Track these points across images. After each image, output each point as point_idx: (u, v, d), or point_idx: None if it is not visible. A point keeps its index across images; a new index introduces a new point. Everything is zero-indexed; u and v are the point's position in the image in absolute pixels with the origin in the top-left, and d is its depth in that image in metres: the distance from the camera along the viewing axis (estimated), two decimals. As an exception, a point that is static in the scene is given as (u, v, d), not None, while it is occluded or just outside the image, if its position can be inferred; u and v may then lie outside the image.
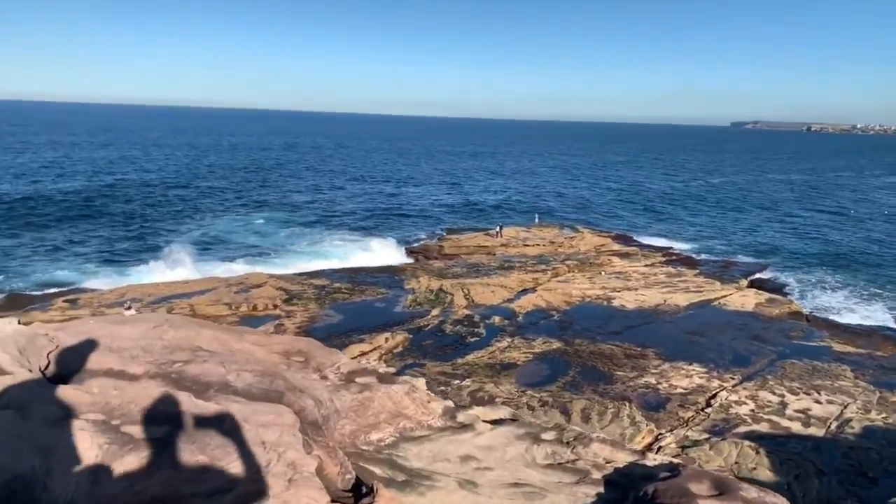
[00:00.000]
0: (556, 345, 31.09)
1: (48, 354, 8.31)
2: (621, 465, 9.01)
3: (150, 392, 7.26)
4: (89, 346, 8.62)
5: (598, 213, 76.92)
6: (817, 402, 26.11)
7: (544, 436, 9.86)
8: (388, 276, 41.55)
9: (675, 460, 9.49)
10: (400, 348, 29.44)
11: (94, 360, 8.22)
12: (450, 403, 10.98)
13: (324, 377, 10.30)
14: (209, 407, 7.07)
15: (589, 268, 46.45)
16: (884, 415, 25.27)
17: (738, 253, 56.98)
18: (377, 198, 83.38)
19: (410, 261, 47.99)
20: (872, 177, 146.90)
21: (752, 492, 7.73)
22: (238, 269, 43.38)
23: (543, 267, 45.04)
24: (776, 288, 45.21)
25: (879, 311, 40.64)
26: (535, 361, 29.16)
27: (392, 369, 26.70)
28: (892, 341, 34.76)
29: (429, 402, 10.54)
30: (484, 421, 10.37)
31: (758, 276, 48.65)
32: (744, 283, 45.30)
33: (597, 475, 8.82)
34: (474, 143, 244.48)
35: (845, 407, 25.63)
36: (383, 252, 50.14)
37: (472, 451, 9.14)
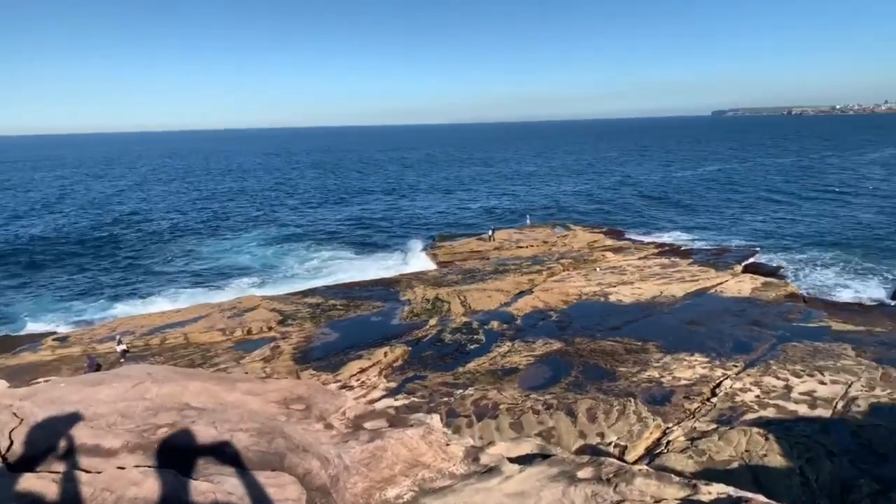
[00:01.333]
0: (557, 345, 30.88)
1: (11, 433, 7.33)
2: None
3: (128, 475, 6.53)
4: (60, 417, 7.72)
5: (588, 210, 77.00)
6: (822, 383, 25.96)
7: (580, 473, 8.76)
8: (383, 288, 41.29)
9: (734, 491, 8.36)
10: (399, 361, 29.14)
11: (66, 436, 7.35)
12: (470, 442, 10.03)
13: (328, 426, 9.46)
14: (198, 488, 6.40)
15: (584, 265, 46.35)
16: (889, 391, 25.14)
17: (731, 239, 57.10)
18: (365, 210, 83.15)
19: (406, 271, 47.70)
20: (856, 155, 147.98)
21: None
22: (230, 293, 43.03)
23: (538, 267, 44.89)
24: (771, 271, 45.22)
25: (874, 287, 40.70)
26: (537, 364, 28.92)
27: (393, 384, 26.44)
28: (889, 317, 34.77)
29: (448, 444, 9.54)
30: (510, 459, 9.33)
31: (751, 260, 48.67)
32: (738, 268, 45.28)
33: (647, 521, 7.73)
34: (455, 148, 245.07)
35: (850, 386, 25.50)
36: (377, 265, 49.89)
37: (502, 500, 8.14)
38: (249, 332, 32.88)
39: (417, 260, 51.60)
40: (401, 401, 24.57)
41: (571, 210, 77.27)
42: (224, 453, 7.31)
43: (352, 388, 26.16)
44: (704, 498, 7.88)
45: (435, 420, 11.00)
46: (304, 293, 40.54)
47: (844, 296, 39.36)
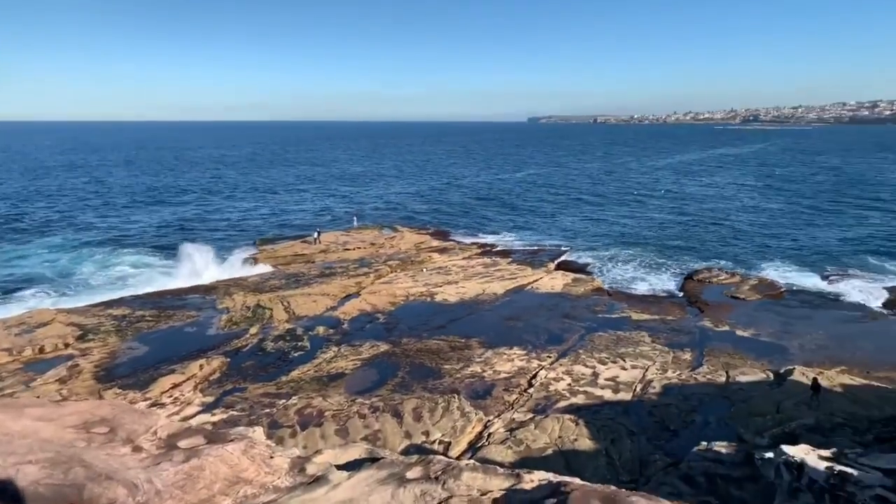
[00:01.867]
0: (384, 347, 30.89)
1: None
2: (499, 495, 8.15)
3: None
4: None
5: (416, 211, 78.13)
6: (623, 368, 28.45)
7: (409, 474, 8.73)
8: (199, 296, 38.79)
9: (554, 477, 8.70)
10: (217, 374, 27.48)
11: None
12: (295, 453, 9.60)
13: (137, 448, 8.60)
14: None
15: (411, 266, 46.92)
16: (678, 372, 28.14)
17: (545, 239, 60.87)
18: (177, 211, 77.72)
19: (224, 277, 45.11)
20: (651, 161, 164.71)
21: (641, 502, 7.41)
22: (18, 306, 38.07)
23: (366, 270, 44.71)
24: (580, 268, 48.87)
25: (666, 280, 45.40)
26: (364, 368, 28.72)
27: (210, 398, 24.87)
28: (678, 306, 39.00)
29: (271, 457, 9.16)
30: (338, 467, 9.13)
31: (563, 258, 52.24)
32: (552, 266, 48.39)
33: (476, 512, 7.96)
34: (280, 146, 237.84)
35: (646, 370, 28.20)
36: (191, 271, 46.54)
37: (331, 509, 7.96)
38: (42, 350, 29.28)
39: (236, 265, 49.02)
40: (219, 415, 23.18)
41: (399, 211, 78.06)
42: (5, 492, 6.39)
43: (164, 405, 24.22)
44: (527, 486, 8.21)
45: (257, 433, 10.42)
46: (108, 304, 36.94)
47: (641, 288, 43.46)
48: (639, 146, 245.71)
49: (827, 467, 14.97)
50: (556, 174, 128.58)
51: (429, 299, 38.91)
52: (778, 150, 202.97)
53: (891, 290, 41.91)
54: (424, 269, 45.74)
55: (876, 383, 26.64)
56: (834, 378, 26.66)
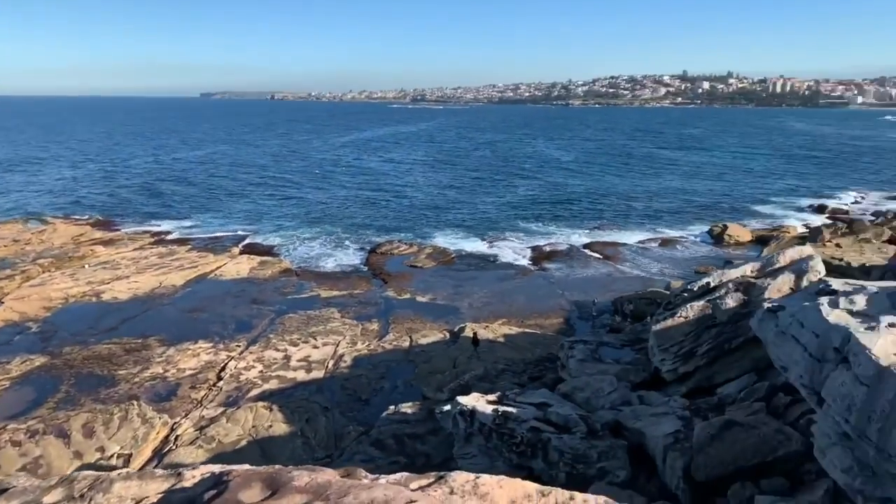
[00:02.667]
0: (40, 360, 26.77)
1: None
2: (156, 499, 7.71)
3: None
4: None
5: (72, 200, 68.24)
6: (315, 347, 28.86)
7: (47, 499, 7.69)
8: None
9: (218, 468, 8.29)
10: None
11: None
12: None
13: None
14: None
15: (69, 263, 41.12)
16: (367, 343, 29.52)
17: (228, 222, 58.30)
18: None
19: None
20: (332, 138, 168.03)
21: (303, 477, 7.37)
22: None
23: (9, 272, 37.95)
24: (266, 250, 47.99)
25: (351, 255, 47.02)
26: (15, 388, 24.59)
27: None
28: (364, 279, 40.74)
29: None
30: None
31: (248, 241, 50.80)
32: (236, 250, 46.75)
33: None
34: None
35: (337, 345, 29.02)
36: None
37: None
38: None
39: None
40: None
41: (51, 200, 67.54)
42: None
43: None
44: (188, 483, 7.97)
45: None
46: None
47: (329, 265, 44.35)
48: (319, 123, 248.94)
49: (493, 410, 17.13)
50: (237, 153, 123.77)
51: (94, 299, 34.64)
52: (443, 128, 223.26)
53: (534, 248, 49.33)
54: (87, 266, 40.52)
55: (529, 330, 31.24)
56: (497, 330, 30.57)
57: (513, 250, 48.97)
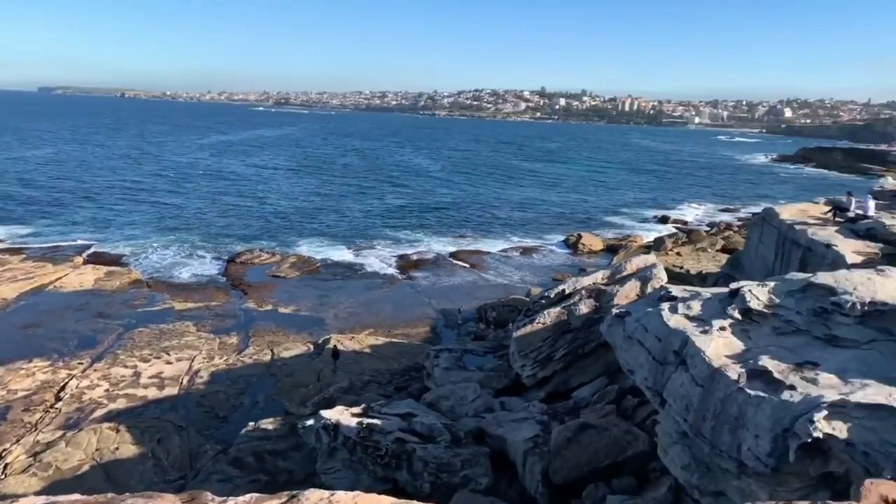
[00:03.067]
0: None
1: None
2: None
3: None
4: None
5: None
6: (168, 363, 27.21)
7: None
8: None
9: (42, 500, 7.38)
10: None
11: None
12: None
13: None
14: None
15: None
16: (225, 357, 28.28)
17: (71, 230, 53.40)
18: None
19: None
20: (189, 140, 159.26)
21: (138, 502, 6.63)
22: None
23: None
24: (114, 259, 44.55)
25: (209, 264, 44.76)
26: None
27: None
28: (222, 290, 38.97)
29: None
30: None
31: (94, 250, 46.96)
32: (79, 260, 43.10)
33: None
34: None
35: (193, 360, 27.53)
36: None
37: None
38: None
39: None
40: None
41: None
42: None
43: None
44: None
45: None
46: None
47: (184, 276, 41.94)
48: (176, 124, 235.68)
49: (357, 423, 16.97)
50: (83, 153, 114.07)
51: None
52: (310, 133, 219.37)
53: (401, 256, 49.62)
54: None
55: (395, 340, 31.33)
56: (363, 340, 30.40)
57: (380, 259, 48.97)
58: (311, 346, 29.73)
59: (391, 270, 46.11)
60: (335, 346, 28.11)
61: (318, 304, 37.22)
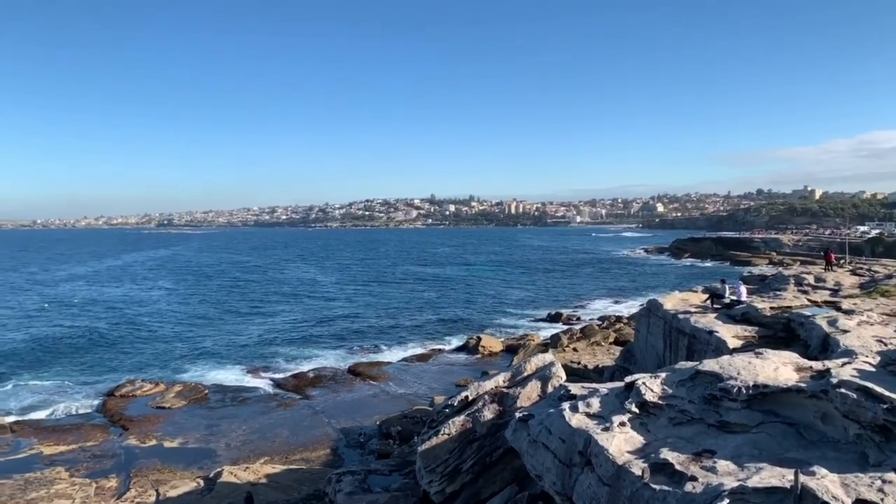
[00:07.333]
0: None
1: None
2: None
3: None
4: None
5: None
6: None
7: None
8: None
9: None
10: None
11: None
12: None
13: None
14: None
15: None
16: (101, 502, 25.39)
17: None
18: None
19: None
20: (61, 269, 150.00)
21: None
22: None
23: None
24: (-30, 404, 39.88)
25: (82, 401, 40.83)
26: None
27: None
28: (99, 428, 35.56)
29: None
30: None
31: (-53, 395, 41.92)
32: (-72, 408, 38.20)
33: None
34: None
35: (63, 513, 24.52)
36: None
37: None
38: None
39: None
40: None
41: None
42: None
43: None
44: None
45: None
46: None
47: (55, 415, 38.11)
48: (46, 253, 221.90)
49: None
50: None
51: None
52: (195, 252, 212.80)
53: (297, 375, 47.58)
54: None
55: (294, 466, 29.44)
56: (259, 470, 28.32)
57: (273, 379, 46.80)
58: (202, 482, 27.30)
59: (286, 391, 43.98)
60: (248, 493, 25.61)
61: (207, 435, 34.66)
